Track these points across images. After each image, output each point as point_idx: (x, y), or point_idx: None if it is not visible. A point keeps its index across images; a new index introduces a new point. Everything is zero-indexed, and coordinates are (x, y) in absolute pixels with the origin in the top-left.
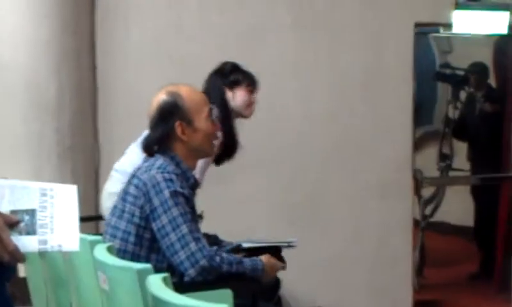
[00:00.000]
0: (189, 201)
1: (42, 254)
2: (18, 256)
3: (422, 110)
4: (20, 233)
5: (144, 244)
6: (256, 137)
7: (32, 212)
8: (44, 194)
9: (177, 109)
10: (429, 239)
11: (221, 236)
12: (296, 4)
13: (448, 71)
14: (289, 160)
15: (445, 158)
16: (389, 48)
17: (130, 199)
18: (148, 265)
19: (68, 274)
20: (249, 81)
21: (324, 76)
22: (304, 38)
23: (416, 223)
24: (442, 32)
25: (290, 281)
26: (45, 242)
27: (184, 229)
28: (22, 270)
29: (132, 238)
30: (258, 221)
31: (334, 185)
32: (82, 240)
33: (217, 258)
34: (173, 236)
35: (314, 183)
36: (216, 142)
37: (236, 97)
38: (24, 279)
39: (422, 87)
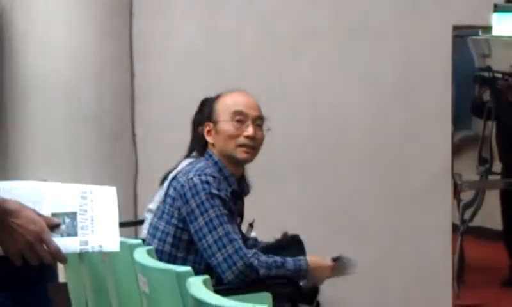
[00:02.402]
0: (226, 204)
1: (82, 258)
2: (60, 257)
3: (460, 114)
4: (62, 235)
5: (181, 245)
6: (293, 144)
7: (73, 215)
8: (84, 197)
9: (209, 110)
10: (468, 243)
11: None
12: (333, 11)
13: (487, 74)
14: (327, 165)
15: (484, 162)
16: (427, 52)
17: (169, 200)
18: (188, 268)
19: (108, 277)
20: None
21: (361, 81)
22: (342, 44)
23: (455, 228)
24: (481, 35)
25: (328, 287)
26: (86, 243)
27: (221, 231)
28: (62, 274)
29: (169, 239)
30: (295, 228)
31: (372, 190)
32: (122, 244)
33: (255, 261)
34: (209, 239)
35: (353, 188)
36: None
37: None
38: (64, 284)
39: (460, 91)
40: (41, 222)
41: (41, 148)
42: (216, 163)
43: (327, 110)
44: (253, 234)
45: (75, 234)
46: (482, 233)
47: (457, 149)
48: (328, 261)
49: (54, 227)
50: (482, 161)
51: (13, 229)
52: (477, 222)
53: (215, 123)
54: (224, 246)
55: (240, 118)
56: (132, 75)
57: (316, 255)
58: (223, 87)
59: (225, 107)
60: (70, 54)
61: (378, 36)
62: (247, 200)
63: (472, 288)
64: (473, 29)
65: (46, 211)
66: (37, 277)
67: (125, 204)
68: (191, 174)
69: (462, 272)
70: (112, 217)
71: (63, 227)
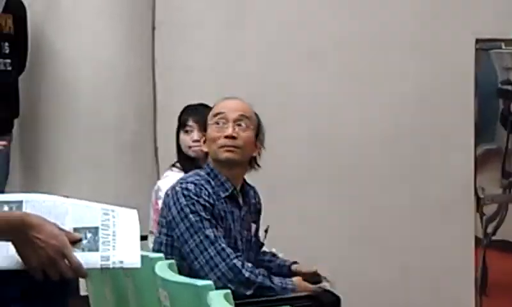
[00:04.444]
0: (207, 209)
1: (104, 272)
2: (81, 273)
3: (483, 127)
4: (83, 250)
5: (174, 252)
6: (316, 157)
7: (95, 230)
8: (106, 213)
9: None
10: (492, 257)
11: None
12: (354, 22)
13: (510, 87)
14: (348, 178)
15: (508, 176)
16: (450, 64)
17: (161, 212)
18: (209, 282)
19: (130, 291)
20: None
21: (383, 95)
22: (363, 56)
23: (478, 241)
24: (504, 48)
25: (352, 301)
26: (107, 258)
27: (201, 234)
28: (83, 288)
29: (163, 248)
30: (317, 241)
31: (394, 204)
32: (143, 257)
33: (239, 262)
34: (191, 243)
35: (374, 201)
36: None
37: None
38: (86, 297)
39: (483, 104)
40: (62, 237)
41: (64, 159)
42: (211, 170)
43: (348, 121)
44: (273, 250)
45: (97, 249)
46: (506, 247)
47: (480, 162)
48: (309, 286)
49: (75, 242)
50: (505, 174)
51: (35, 244)
52: (501, 235)
53: (205, 131)
54: (206, 249)
55: (219, 119)
56: (154, 87)
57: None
58: (244, 99)
59: (210, 114)
60: (93, 66)
61: (400, 47)
62: (269, 212)
63: (494, 301)
64: (496, 42)
65: (68, 226)
66: (57, 292)
67: (146, 217)
68: (175, 184)
69: (485, 286)
70: (133, 235)
71: (84, 242)
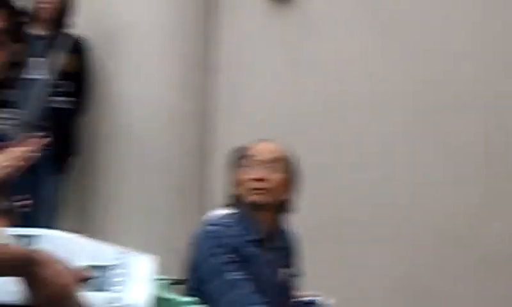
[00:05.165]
0: (230, 252)
1: None
2: None
3: None
4: (91, 289)
5: (202, 295)
6: (371, 209)
7: (106, 270)
8: (121, 256)
9: None
10: None
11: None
12: (418, 74)
13: None
14: (405, 233)
15: None
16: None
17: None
18: None
19: None
20: None
21: (436, 146)
22: (416, 112)
23: None
24: None
25: None
26: (114, 300)
27: (222, 278)
28: None
29: (189, 291)
30: (370, 291)
31: (448, 259)
32: (171, 301)
33: None
34: (212, 286)
35: (429, 256)
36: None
37: None
38: None
39: None
40: (69, 276)
41: (116, 201)
42: (240, 213)
43: (399, 179)
44: (319, 298)
45: (105, 290)
46: None
47: None
48: None
49: (83, 280)
50: None
51: (39, 281)
52: None
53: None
54: (226, 293)
55: (249, 162)
56: (205, 130)
57: None
58: (296, 143)
59: (244, 156)
60: (146, 108)
61: (462, 105)
62: (326, 260)
63: None
64: None
65: (79, 263)
66: None
67: None
68: (202, 225)
69: None
70: (145, 280)
71: (93, 281)
